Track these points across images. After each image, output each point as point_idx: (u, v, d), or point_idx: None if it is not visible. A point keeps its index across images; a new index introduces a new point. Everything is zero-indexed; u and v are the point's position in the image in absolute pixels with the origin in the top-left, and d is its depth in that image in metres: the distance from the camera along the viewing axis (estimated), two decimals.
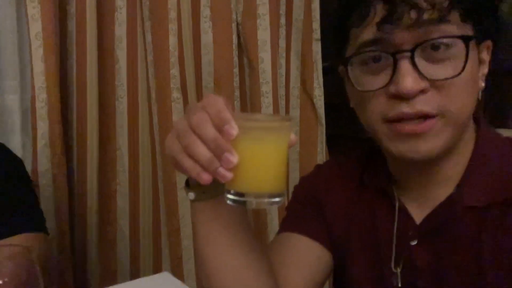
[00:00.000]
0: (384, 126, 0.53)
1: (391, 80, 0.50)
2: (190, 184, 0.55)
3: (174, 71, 1.21)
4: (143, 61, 1.20)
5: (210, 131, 0.45)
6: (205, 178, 0.46)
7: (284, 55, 1.39)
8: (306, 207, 0.68)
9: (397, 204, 0.60)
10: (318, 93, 1.45)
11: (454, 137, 0.53)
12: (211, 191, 0.53)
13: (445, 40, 0.49)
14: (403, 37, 0.49)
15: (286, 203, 0.73)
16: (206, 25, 1.23)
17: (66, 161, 1.07)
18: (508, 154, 0.57)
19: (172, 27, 1.19)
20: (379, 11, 0.50)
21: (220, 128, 0.44)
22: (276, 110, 1.34)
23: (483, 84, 0.55)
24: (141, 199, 1.22)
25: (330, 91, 1.46)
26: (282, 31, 1.37)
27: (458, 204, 0.55)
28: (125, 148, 1.18)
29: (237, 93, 1.29)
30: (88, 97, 1.09)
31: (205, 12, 1.23)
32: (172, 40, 1.20)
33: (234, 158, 0.44)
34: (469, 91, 0.51)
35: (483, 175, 0.55)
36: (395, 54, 0.50)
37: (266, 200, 0.48)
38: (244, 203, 0.47)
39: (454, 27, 0.49)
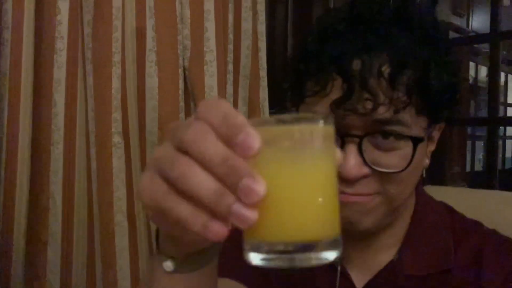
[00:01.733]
0: None
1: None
2: (161, 250, 0.40)
3: (116, 115, 1.16)
4: (83, 105, 1.15)
5: (215, 148, 0.29)
6: (218, 230, 0.29)
7: (231, 100, 1.39)
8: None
9: (338, 268, 0.59)
10: None
11: (389, 216, 0.54)
12: (199, 257, 0.39)
13: (395, 136, 0.49)
14: (354, 122, 0.49)
15: None
16: (151, 70, 1.21)
17: None
18: (443, 222, 0.58)
19: (116, 70, 1.16)
20: (335, 88, 0.49)
21: (231, 140, 0.29)
22: None
23: (427, 162, 0.55)
24: (74, 251, 1.13)
25: None
26: (230, 78, 1.37)
27: (398, 272, 0.55)
28: (59, 196, 1.10)
29: None
30: (20, 142, 1.02)
31: (151, 56, 1.21)
32: (115, 84, 1.16)
33: (260, 186, 0.28)
34: (411, 178, 0.52)
35: (421, 244, 0.56)
36: (344, 137, 0.49)
37: (319, 254, 0.30)
38: (285, 262, 0.29)
39: (408, 119, 0.49)
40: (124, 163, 1.19)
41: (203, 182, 0.29)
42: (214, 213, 0.29)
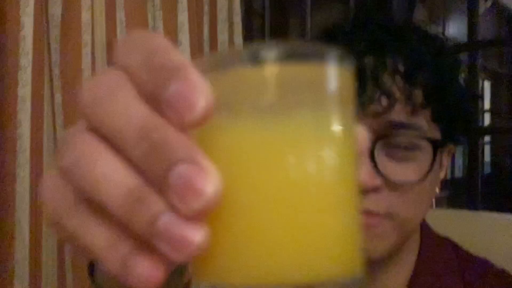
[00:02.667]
0: None
1: None
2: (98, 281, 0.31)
3: None
4: (50, 124, 1.09)
5: (131, 112, 0.17)
6: (143, 270, 0.17)
7: None
8: None
9: None
10: None
11: (399, 243, 0.48)
12: None
13: (414, 140, 0.44)
14: (367, 124, 0.44)
15: None
16: None
17: None
18: (451, 262, 0.53)
19: None
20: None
21: (158, 95, 0.17)
22: None
23: (437, 190, 0.51)
24: (43, 282, 1.07)
25: None
26: None
27: None
28: (26, 223, 1.04)
29: None
30: None
31: None
32: None
33: (210, 180, 0.16)
34: (425, 198, 0.48)
35: (427, 285, 0.51)
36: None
37: None
38: None
39: (424, 125, 0.46)
40: None
41: (110, 177, 0.17)
42: (136, 236, 0.17)
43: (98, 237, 0.18)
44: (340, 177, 0.17)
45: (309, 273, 0.17)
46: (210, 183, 0.16)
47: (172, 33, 1.22)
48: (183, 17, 1.23)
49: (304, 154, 0.17)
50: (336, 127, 0.17)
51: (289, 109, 0.17)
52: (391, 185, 0.45)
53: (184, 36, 1.23)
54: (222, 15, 1.36)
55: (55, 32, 1.09)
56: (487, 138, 4.60)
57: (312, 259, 0.17)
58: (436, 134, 0.47)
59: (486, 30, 3.55)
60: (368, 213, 0.45)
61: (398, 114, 0.44)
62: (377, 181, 0.44)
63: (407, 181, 0.45)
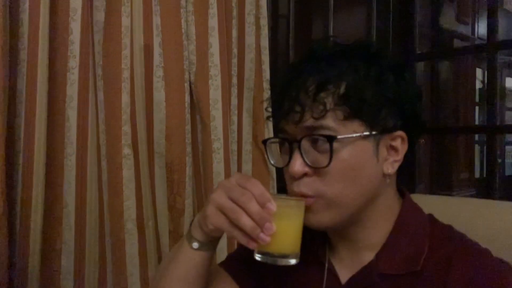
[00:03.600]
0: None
1: (288, 162, 0.64)
2: (193, 235, 0.67)
3: (126, 128, 1.23)
4: (94, 119, 1.21)
5: (255, 207, 0.58)
6: (253, 245, 0.59)
7: (236, 112, 1.44)
8: (249, 257, 0.76)
9: (326, 265, 0.68)
10: None
11: (340, 217, 0.63)
12: (210, 245, 0.67)
13: (316, 137, 0.61)
14: (294, 130, 0.63)
15: None
16: (158, 85, 1.27)
17: (8, 219, 1.05)
18: (423, 229, 0.65)
19: (125, 85, 1.23)
20: (284, 106, 0.64)
21: (263, 204, 0.58)
22: (227, 165, 1.37)
23: (390, 170, 0.64)
24: (86, 258, 1.19)
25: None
26: (234, 90, 1.43)
27: (374, 270, 0.63)
28: (72, 206, 1.16)
29: (189, 149, 1.32)
30: (36, 155, 1.09)
31: (158, 72, 1.27)
32: (125, 98, 1.23)
33: (273, 227, 0.58)
34: (347, 178, 0.62)
35: (399, 247, 0.63)
36: (291, 143, 0.63)
37: (289, 260, 0.61)
38: (275, 261, 0.60)
39: (334, 124, 0.61)
40: (133, 174, 1.24)
41: (247, 222, 0.58)
42: (249, 235, 0.58)
43: (237, 234, 0.60)
44: (297, 228, 0.63)
45: (293, 250, 0.62)
46: (272, 228, 0.59)
47: (203, 36, 1.32)
48: (213, 22, 1.33)
49: (287, 224, 0.61)
50: (295, 215, 0.63)
51: (290, 210, 0.63)
52: (317, 171, 0.61)
53: (214, 39, 1.33)
54: (249, 18, 1.46)
55: (98, 37, 1.21)
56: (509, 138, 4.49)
57: (293, 246, 0.62)
58: (356, 128, 0.61)
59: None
60: (303, 195, 0.62)
61: (308, 120, 0.61)
62: (306, 169, 0.62)
63: (320, 166, 0.61)
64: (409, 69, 0.69)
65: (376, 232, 0.65)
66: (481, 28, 3.28)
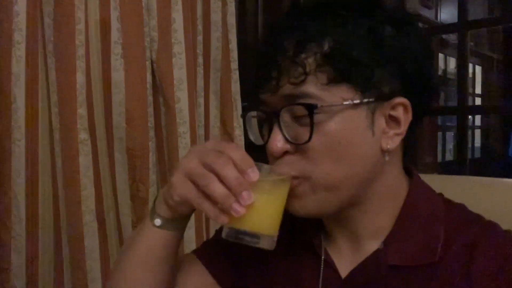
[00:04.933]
0: None
1: (268, 139, 0.54)
2: (156, 211, 0.58)
3: (82, 111, 1.12)
4: (45, 100, 1.10)
5: (233, 171, 0.49)
6: (223, 219, 0.50)
7: (202, 94, 1.36)
8: (227, 245, 0.67)
9: (322, 257, 0.58)
10: (238, 132, 1.43)
11: (333, 202, 0.53)
12: (177, 223, 0.58)
13: (293, 107, 0.51)
14: (272, 100, 0.53)
15: None
16: (117, 63, 1.16)
17: None
18: (437, 213, 0.56)
19: (80, 64, 1.11)
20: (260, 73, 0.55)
21: (242, 171, 0.49)
22: None
23: (390, 145, 0.53)
24: (40, 254, 1.09)
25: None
26: (200, 71, 1.34)
27: (382, 261, 0.54)
28: (22, 197, 1.05)
29: (152, 133, 1.23)
30: None
31: (116, 49, 1.16)
32: (80, 78, 1.11)
33: (250, 197, 0.49)
34: (335, 156, 0.51)
35: (410, 234, 0.54)
36: (270, 116, 0.54)
37: (263, 241, 0.52)
38: (245, 240, 0.51)
39: (314, 91, 0.50)
40: (91, 161, 1.14)
41: (220, 190, 0.49)
42: (221, 205, 0.49)
43: (206, 206, 0.51)
44: (282, 205, 0.53)
45: (270, 230, 0.53)
46: (250, 198, 0.50)
47: (165, 10, 1.22)
48: None
49: (275, 198, 0.53)
50: (277, 192, 0.53)
51: (265, 186, 0.52)
52: (298, 148, 0.52)
53: (178, 14, 1.23)
54: None
55: (48, 8, 1.09)
56: (477, 122, 4.66)
57: (272, 226, 0.53)
58: (344, 94, 0.51)
59: (479, 13, 3.58)
60: (283, 174, 0.53)
61: (285, 87, 0.52)
62: (286, 146, 0.52)
63: (299, 143, 0.51)
64: (413, 22, 0.56)
65: (379, 217, 0.55)
66: (443, 14, 3.33)
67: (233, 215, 0.49)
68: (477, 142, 4.68)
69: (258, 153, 0.64)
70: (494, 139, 4.65)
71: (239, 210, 0.48)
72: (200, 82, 1.34)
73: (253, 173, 0.49)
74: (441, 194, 0.60)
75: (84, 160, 1.12)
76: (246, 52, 1.45)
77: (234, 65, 1.40)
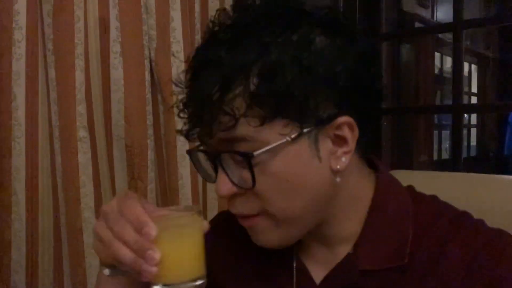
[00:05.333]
0: None
1: (215, 180, 0.52)
2: (101, 261, 0.56)
3: (80, 108, 1.13)
4: (45, 98, 1.11)
5: (131, 234, 0.48)
6: (146, 278, 0.48)
7: None
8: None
9: (294, 264, 0.57)
10: None
11: (295, 233, 0.53)
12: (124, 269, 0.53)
13: (232, 155, 0.49)
14: (210, 142, 0.50)
15: None
16: (116, 61, 1.17)
17: None
18: (405, 211, 0.54)
19: (79, 62, 1.13)
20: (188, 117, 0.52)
21: (139, 230, 0.47)
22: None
23: (340, 165, 0.51)
24: (40, 250, 1.10)
25: None
26: None
27: (353, 266, 0.53)
28: (22, 194, 1.06)
29: (150, 131, 1.24)
30: None
31: (115, 47, 1.17)
32: (79, 76, 1.13)
33: (156, 255, 0.47)
34: (286, 192, 0.49)
35: (379, 236, 0.53)
36: (213, 157, 0.51)
37: (190, 284, 0.50)
38: None
39: (248, 133, 0.47)
40: (90, 158, 1.15)
41: (127, 256, 0.48)
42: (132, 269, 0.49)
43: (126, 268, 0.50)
44: (198, 243, 0.51)
45: (192, 273, 0.50)
46: (156, 255, 0.47)
47: (164, 8, 1.23)
48: None
49: (186, 241, 0.51)
50: (196, 229, 0.51)
51: (179, 230, 0.50)
52: (247, 190, 0.49)
53: (176, 13, 1.24)
54: None
55: (47, 7, 1.09)
56: (473, 121, 4.69)
57: (192, 269, 0.51)
58: (281, 129, 0.47)
59: (475, 13, 3.60)
60: (244, 217, 0.52)
61: (219, 133, 0.48)
62: (234, 188, 0.50)
63: (245, 187, 0.49)
64: (347, 30, 0.52)
65: (348, 222, 0.54)
66: (440, 13, 3.35)
67: (146, 277, 0.47)
68: (473, 141, 4.72)
69: None
70: (490, 137, 4.68)
71: (150, 270, 0.46)
72: None
73: (150, 229, 0.46)
74: (410, 187, 0.58)
75: (83, 158, 1.13)
76: None
77: None
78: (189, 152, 0.56)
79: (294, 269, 0.57)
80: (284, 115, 0.47)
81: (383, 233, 0.53)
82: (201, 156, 0.54)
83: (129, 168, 1.21)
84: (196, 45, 1.31)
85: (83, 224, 1.14)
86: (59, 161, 1.12)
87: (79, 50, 1.12)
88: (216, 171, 0.51)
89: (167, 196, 1.30)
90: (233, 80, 0.46)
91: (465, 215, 0.55)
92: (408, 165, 2.85)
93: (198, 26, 1.34)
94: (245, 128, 0.47)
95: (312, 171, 0.49)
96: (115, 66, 1.17)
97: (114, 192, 1.21)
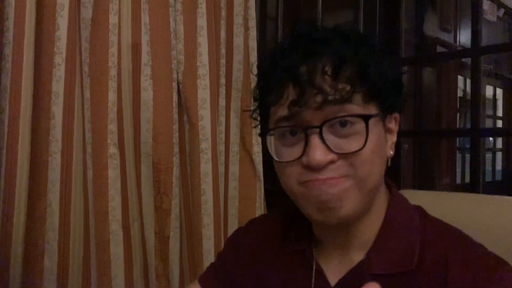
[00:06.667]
0: (301, 189, 0.57)
1: (304, 153, 0.55)
2: None
3: (112, 127, 1.21)
4: (80, 117, 1.19)
5: None
6: None
7: (224, 113, 1.44)
8: (224, 265, 0.74)
9: (314, 266, 0.63)
10: (257, 149, 1.50)
11: (364, 201, 0.58)
12: None
13: (348, 118, 0.55)
14: (312, 115, 0.55)
15: None
16: (146, 83, 1.26)
17: None
18: (413, 225, 0.61)
19: (112, 83, 1.21)
20: (291, 93, 0.56)
21: None
22: (215, 165, 1.36)
23: (391, 152, 0.61)
24: (70, 259, 1.16)
25: (267, 149, 1.51)
26: (222, 91, 1.42)
27: (365, 271, 0.59)
28: (56, 205, 1.14)
29: (176, 149, 1.31)
30: (20, 153, 1.06)
31: (146, 70, 1.26)
32: (111, 96, 1.21)
33: None
34: (375, 160, 0.57)
35: (390, 245, 0.60)
36: (306, 130, 0.55)
37: None
38: None
39: (357, 107, 0.56)
40: (119, 173, 1.23)
41: None
42: None
43: None
44: None
45: None
46: None
47: (192, 35, 1.32)
48: (202, 21, 1.33)
49: None
50: None
51: None
52: (343, 156, 0.56)
53: (203, 39, 1.33)
54: (238, 20, 1.46)
55: (85, 33, 1.19)
56: (499, 145, 4.61)
57: None
58: (371, 110, 0.57)
59: (496, 37, 3.59)
60: (330, 179, 0.55)
61: (332, 104, 0.55)
62: (330, 156, 0.55)
63: (353, 151, 0.55)
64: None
65: (367, 228, 0.61)
66: (463, 37, 3.36)
67: None
68: (499, 165, 4.62)
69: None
70: None
71: None
72: (221, 102, 1.43)
73: None
74: (419, 206, 0.65)
75: (113, 173, 1.21)
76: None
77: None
78: (266, 131, 0.60)
79: (314, 271, 0.63)
80: (377, 98, 0.57)
81: (393, 243, 0.60)
82: (273, 139, 0.60)
83: (155, 184, 1.28)
84: (220, 69, 1.39)
85: (111, 236, 1.21)
86: (90, 175, 1.19)
87: (113, 72, 1.21)
88: (305, 145, 0.55)
89: (190, 211, 1.36)
90: (346, 62, 0.55)
91: (468, 237, 0.60)
92: (430, 188, 2.83)
93: (223, 51, 1.42)
94: (355, 102, 0.56)
95: (384, 148, 0.60)
96: (145, 88, 1.25)
97: (140, 206, 1.28)
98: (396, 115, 0.62)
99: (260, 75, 0.62)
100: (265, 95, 0.60)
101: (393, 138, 0.62)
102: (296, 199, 0.59)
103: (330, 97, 0.54)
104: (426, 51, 2.63)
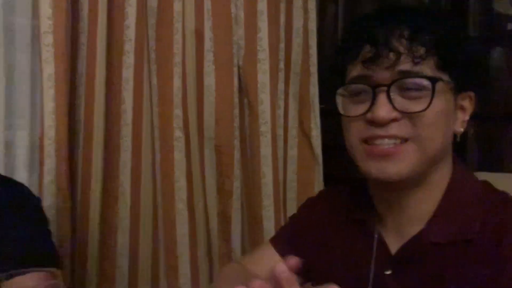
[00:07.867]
0: (360, 147, 0.61)
1: (369, 109, 0.58)
2: None
3: (178, 111, 1.26)
4: (148, 102, 1.25)
5: None
6: None
7: (282, 97, 1.45)
8: (295, 228, 0.78)
9: (376, 236, 0.66)
10: (315, 133, 1.49)
11: (423, 164, 0.59)
12: None
13: (416, 80, 0.58)
14: (382, 75, 0.58)
15: None
16: (209, 69, 1.29)
17: (70, 197, 1.11)
18: (475, 196, 0.62)
19: (177, 70, 1.26)
20: (366, 52, 0.59)
21: None
22: (274, 149, 1.38)
23: (461, 129, 0.63)
24: (141, 236, 1.24)
25: (327, 133, 1.51)
26: (281, 75, 1.43)
27: (425, 239, 0.61)
28: (128, 185, 1.21)
29: (237, 132, 1.34)
30: (95, 136, 1.14)
31: (209, 56, 1.29)
32: (177, 82, 1.26)
33: None
34: (438, 125, 0.59)
35: (449, 215, 0.61)
36: (375, 88, 0.59)
37: None
38: None
39: (428, 71, 0.58)
40: (184, 156, 1.28)
41: None
42: None
43: None
44: None
45: None
46: None
47: (252, 20, 1.33)
48: (262, 6, 1.34)
49: None
50: None
51: None
52: (407, 116, 0.58)
53: (263, 24, 1.34)
54: (297, 2, 1.45)
55: (151, 21, 1.24)
56: None
57: None
58: (442, 76, 0.58)
59: None
60: (392, 136, 0.58)
61: (404, 64, 0.57)
62: (394, 114, 0.57)
63: (416, 111, 0.57)
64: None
65: (426, 203, 0.62)
66: None
67: None
68: None
69: (338, 150, 0.71)
70: None
71: None
72: (280, 86, 1.43)
73: None
74: (485, 181, 0.65)
75: (178, 156, 1.26)
76: (325, 57, 1.51)
77: (313, 69, 1.47)
78: (338, 87, 0.63)
79: (375, 240, 0.65)
80: (449, 70, 0.59)
81: (455, 213, 0.61)
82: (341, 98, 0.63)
83: (217, 166, 1.32)
84: (279, 53, 1.40)
85: (176, 216, 1.27)
86: (158, 158, 1.26)
87: (177, 59, 1.26)
88: (372, 102, 0.58)
89: (250, 192, 1.39)
90: (422, 29, 0.58)
91: None
92: (498, 170, 2.68)
93: (282, 34, 1.42)
94: (427, 66, 0.58)
95: (451, 119, 0.61)
96: (208, 73, 1.29)
97: (204, 188, 1.32)
98: (471, 93, 0.63)
99: (341, 39, 0.67)
100: (342, 53, 0.63)
101: (465, 117, 0.63)
102: (356, 157, 0.62)
103: (402, 57, 0.57)
104: (496, 29, 2.47)
